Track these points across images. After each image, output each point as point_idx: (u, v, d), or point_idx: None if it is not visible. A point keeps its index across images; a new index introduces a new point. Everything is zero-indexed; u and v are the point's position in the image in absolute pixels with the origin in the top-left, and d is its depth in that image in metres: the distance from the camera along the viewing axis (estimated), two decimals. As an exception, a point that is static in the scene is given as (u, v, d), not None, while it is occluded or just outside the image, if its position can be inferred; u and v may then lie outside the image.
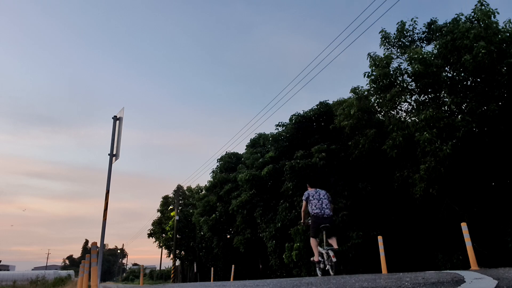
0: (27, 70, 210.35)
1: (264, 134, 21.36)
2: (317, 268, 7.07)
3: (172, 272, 30.74)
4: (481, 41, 10.54)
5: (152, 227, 38.72)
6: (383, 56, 12.86)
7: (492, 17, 11.26)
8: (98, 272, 6.60)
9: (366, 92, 13.42)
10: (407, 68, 12.29)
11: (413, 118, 12.05)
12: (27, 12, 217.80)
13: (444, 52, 11.78)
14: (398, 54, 13.38)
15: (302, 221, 7.43)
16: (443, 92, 11.96)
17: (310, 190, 7.19)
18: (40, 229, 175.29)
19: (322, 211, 6.78)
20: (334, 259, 6.32)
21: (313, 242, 6.92)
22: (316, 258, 6.89)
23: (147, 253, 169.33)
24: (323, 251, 6.77)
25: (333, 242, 6.74)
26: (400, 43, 13.66)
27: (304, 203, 7.13)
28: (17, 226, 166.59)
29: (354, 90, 13.74)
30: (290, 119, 17.43)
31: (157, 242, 38.48)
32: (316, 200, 6.90)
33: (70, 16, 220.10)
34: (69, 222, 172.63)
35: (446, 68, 12.12)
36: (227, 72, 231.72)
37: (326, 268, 6.67)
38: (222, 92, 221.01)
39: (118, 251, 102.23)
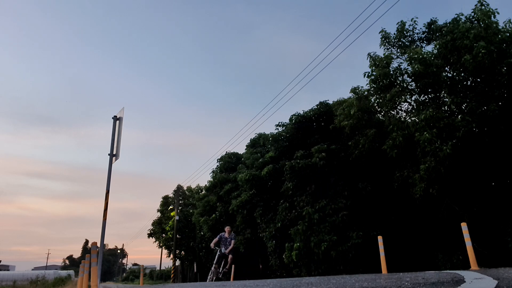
0: (27, 70, 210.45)
1: (264, 134, 21.34)
2: (212, 274, 10.86)
3: (172, 272, 30.74)
4: (481, 41, 10.54)
5: (152, 227, 38.71)
6: (383, 56, 12.86)
7: (492, 17, 11.26)
8: (98, 272, 6.60)
9: (366, 92, 13.42)
10: (407, 68, 12.29)
11: (413, 118, 12.05)
12: (28, 12, 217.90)
13: (444, 52, 11.78)
14: (398, 54, 13.38)
15: (213, 245, 11.09)
16: (443, 92, 11.96)
17: (225, 234, 11.13)
18: (40, 229, 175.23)
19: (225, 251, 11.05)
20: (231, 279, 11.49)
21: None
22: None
23: (147, 253, 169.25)
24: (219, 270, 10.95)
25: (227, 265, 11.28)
26: (400, 43, 13.66)
27: (217, 239, 11.05)
28: (17, 226, 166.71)
29: (354, 90, 13.74)
30: (290, 119, 17.43)
31: (157, 242, 38.48)
32: (224, 241, 11.01)
33: (70, 16, 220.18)
34: (69, 222, 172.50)
35: (446, 68, 12.12)
36: (227, 72, 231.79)
37: (220, 276, 10.77)
38: (222, 92, 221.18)
39: (118, 251, 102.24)
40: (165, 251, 40.71)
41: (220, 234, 11.28)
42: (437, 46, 12.08)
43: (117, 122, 8.11)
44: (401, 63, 12.83)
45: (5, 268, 72.89)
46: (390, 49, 13.73)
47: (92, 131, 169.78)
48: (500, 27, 11.28)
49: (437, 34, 13.07)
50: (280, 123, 17.97)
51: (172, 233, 32.17)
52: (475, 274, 3.82)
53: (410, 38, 13.75)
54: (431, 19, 13.62)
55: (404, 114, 13.04)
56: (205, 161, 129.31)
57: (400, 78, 12.55)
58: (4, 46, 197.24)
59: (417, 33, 13.78)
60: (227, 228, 11.34)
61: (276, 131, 18.36)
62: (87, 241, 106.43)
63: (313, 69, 43.05)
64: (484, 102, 10.83)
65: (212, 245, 11.08)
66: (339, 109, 14.20)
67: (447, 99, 11.44)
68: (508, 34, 11.11)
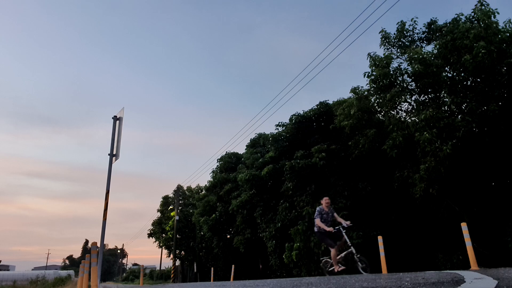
0: (28, 70, 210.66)
1: (264, 134, 21.35)
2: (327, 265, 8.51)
3: (172, 272, 30.73)
4: (481, 41, 10.54)
5: (152, 227, 38.71)
6: (383, 56, 12.86)
7: (492, 17, 11.26)
8: (98, 272, 6.60)
9: (366, 92, 13.42)
10: (407, 68, 12.29)
11: (413, 118, 12.04)
12: (29, 12, 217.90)
13: (444, 52, 11.78)
14: (398, 54, 13.38)
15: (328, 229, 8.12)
16: (443, 92, 11.96)
17: (323, 207, 8.37)
18: (40, 229, 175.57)
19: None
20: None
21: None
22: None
23: (147, 253, 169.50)
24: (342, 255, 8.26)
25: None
26: (400, 43, 13.65)
27: (320, 218, 8.29)
28: (17, 226, 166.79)
29: (354, 90, 13.73)
30: (290, 119, 17.43)
31: (157, 242, 38.49)
32: (325, 218, 8.36)
33: (71, 16, 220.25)
34: (69, 222, 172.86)
35: (446, 68, 12.11)
36: (227, 72, 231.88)
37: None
38: (222, 92, 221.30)
39: (118, 251, 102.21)
40: (165, 251, 40.75)
41: (318, 208, 8.27)
42: (437, 46, 12.08)
43: (117, 122, 8.10)
44: (401, 63, 12.84)
45: (5, 268, 72.88)
46: (390, 49, 13.73)
47: (92, 131, 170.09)
48: (500, 27, 11.28)
49: (437, 34, 13.06)
50: (280, 123, 17.99)
51: (172, 233, 32.16)
52: (475, 274, 3.82)
53: (410, 38, 13.74)
54: (431, 19, 13.62)
55: (404, 114, 13.05)
56: (205, 161, 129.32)
57: (400, 78, 12.54)
58: (4, 46, 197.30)
59: (417, 33, 13.78)
60: (325, 200, 8.34)
61: (276, 131, 18.38)
62: (87, 241, 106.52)
63: (313, 69, 43.15)
64: (484, 102, 10.83)
65: (327, 228, 7.88)
66: (339, 109, 14.19)
67: (447, 99, 11.44)
68: (508, 34, 11.11)
